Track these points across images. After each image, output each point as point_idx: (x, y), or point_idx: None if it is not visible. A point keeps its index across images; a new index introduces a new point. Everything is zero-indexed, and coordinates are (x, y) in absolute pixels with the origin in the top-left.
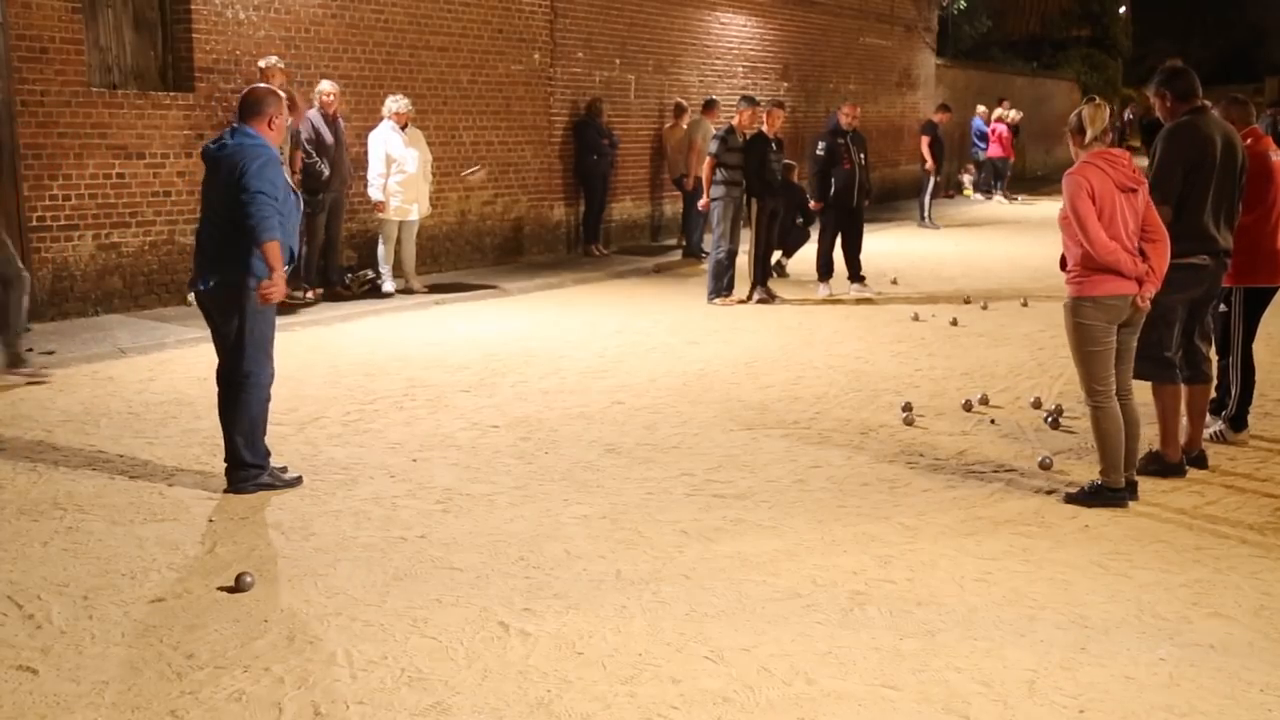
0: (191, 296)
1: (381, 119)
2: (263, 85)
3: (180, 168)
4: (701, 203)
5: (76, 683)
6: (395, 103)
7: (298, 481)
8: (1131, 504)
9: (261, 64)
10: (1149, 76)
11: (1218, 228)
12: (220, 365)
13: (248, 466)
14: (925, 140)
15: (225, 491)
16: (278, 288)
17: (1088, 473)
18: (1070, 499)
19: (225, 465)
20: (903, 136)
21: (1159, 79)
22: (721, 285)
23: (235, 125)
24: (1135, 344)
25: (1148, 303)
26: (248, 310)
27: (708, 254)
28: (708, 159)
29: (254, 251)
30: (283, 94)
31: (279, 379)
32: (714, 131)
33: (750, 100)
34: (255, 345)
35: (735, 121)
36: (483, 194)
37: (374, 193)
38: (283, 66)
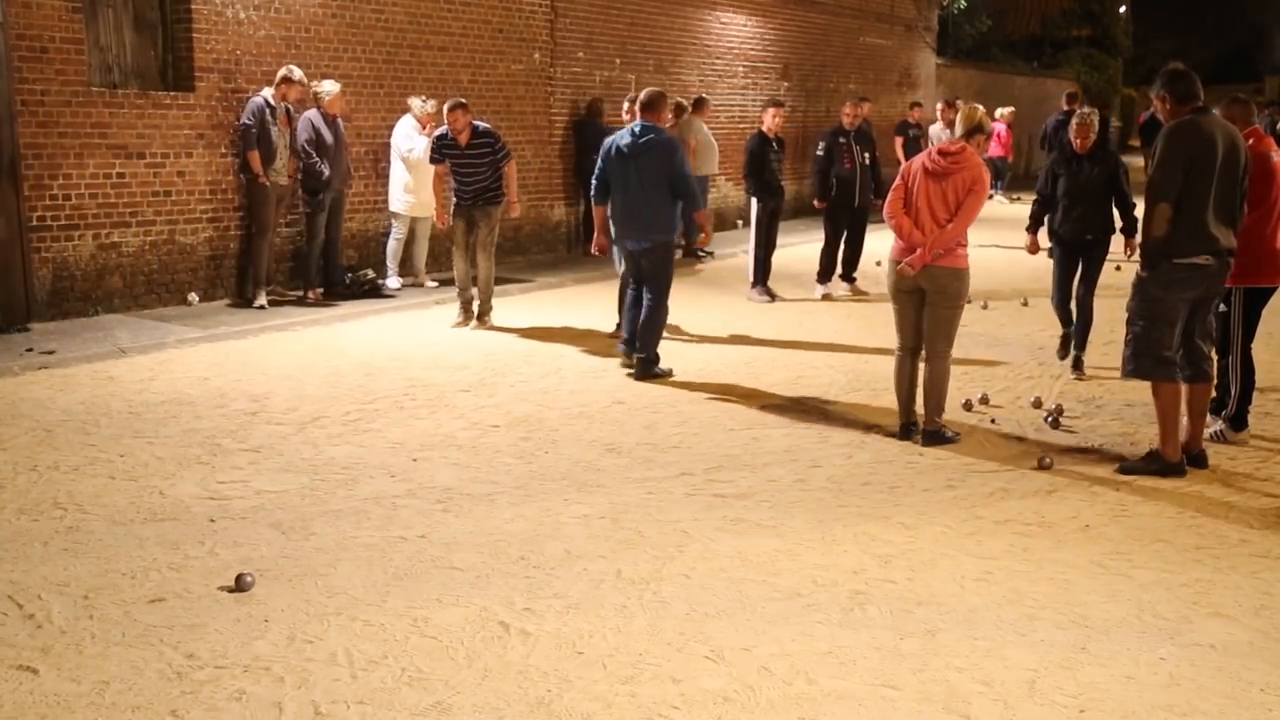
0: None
1: (405, 116)
2: (657, 88)
3: (180, 167)
4: None
5: (76, 683)
6: (424, 106)
7: (670, 372)
8: (1131, 502)
9: (281, 73)
10: (1149, 76)
11: (1219, 227)
12: (648, 294)
13: (656, 360)
14: (898, 140)
15: (637, 378)
16: (709, 237)
17: (1088, 472)
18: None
19: (639, 359)
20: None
21: (1160, 81)
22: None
23: (641, 121)
24: (946, 317)
25: (909, 268)
26: (671, 258)
27: (707, 254)
28: None
29: (676, 216)
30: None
31: (279, 378)
32: (705, 130)
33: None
34: (671, 280)
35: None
36: None
37: (397, 191)
38: (303, 81)
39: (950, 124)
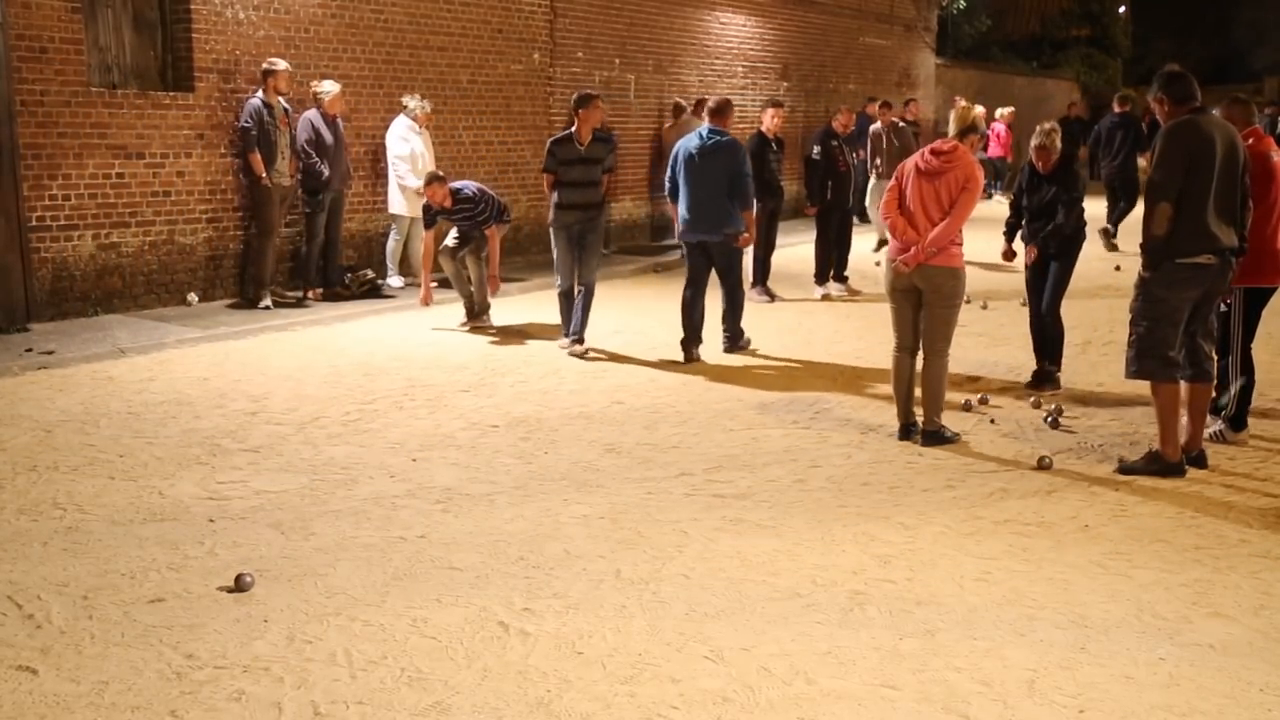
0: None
1: (399, 116)
2: (724, 97)
3: (180, 168)
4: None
5: (76, 683)
6: (421, 105)
7: (749, 342)
8: (1131, 502)
9: (263, 68)
10: (1149, 77)
11: (1220, 226)
12: (724, 279)
13: (742, 334)
14: None
15: (725, 351)
16: (752, 237)
17: (1088, 472)
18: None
19: (728, 337)
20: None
21: (1157, 83)
22: (564, 325)
23: (710, 125)
24: (942, 316)
25: (903, 266)
26: (738, 247)
27: None
28: (546, 176)
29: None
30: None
31: (278, 378)
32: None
33: (584, 99)
34: (742, 267)
35: (575, 126)
36: None
37: (405, 180)
38: (288, 69)
39: (889, 126)
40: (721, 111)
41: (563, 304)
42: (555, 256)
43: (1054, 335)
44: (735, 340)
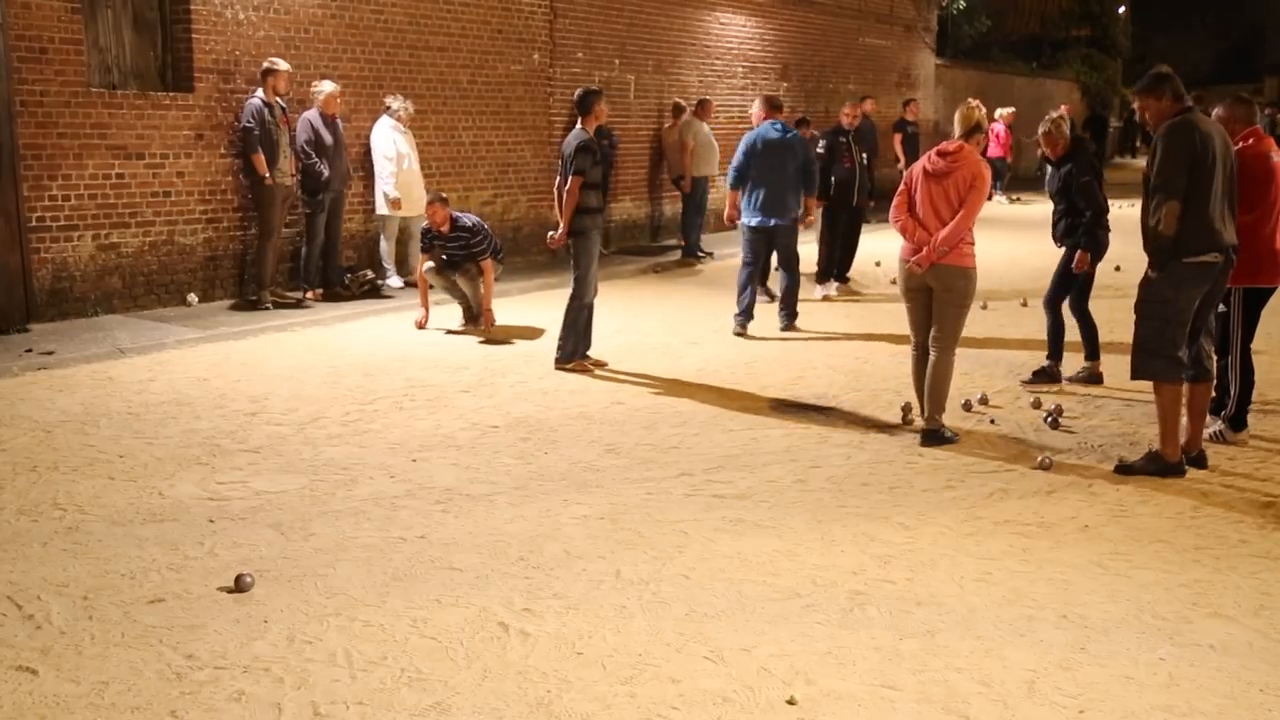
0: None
1: (382, 116)
2: (778, 95)
3: (180, 168)
4: (556, 235)
5: (76, 683)
6: (405, 105)
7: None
8: (1131, 502)
9: (263, 67)
10: None
11: (1224, 223)
12: (785, 261)
13: (796, 315)
14: (897, 138)
15: (783, 329)
16: (815, 219)
17: (1088, 472)
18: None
19: (784, 313)
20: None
21: (1149, 83)
22: (575, 344)
23: (778, 121)
24: (953, 315)
25: (916, 266)
26: (797, 231)
27: (707, 254)
28: (575, 179)
29: (800, 197)
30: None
31: (278, 379)
32: (705, 130)
33: (597, 95)
34: (798, 248)
35: (583, 123)
36: (482, 194)
37: (389, 190)
38: (288, 70)
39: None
40: (781, 107)
41: (581, 318)
42: (586, 267)
43: (1052, 330)
44: (791, 319)
